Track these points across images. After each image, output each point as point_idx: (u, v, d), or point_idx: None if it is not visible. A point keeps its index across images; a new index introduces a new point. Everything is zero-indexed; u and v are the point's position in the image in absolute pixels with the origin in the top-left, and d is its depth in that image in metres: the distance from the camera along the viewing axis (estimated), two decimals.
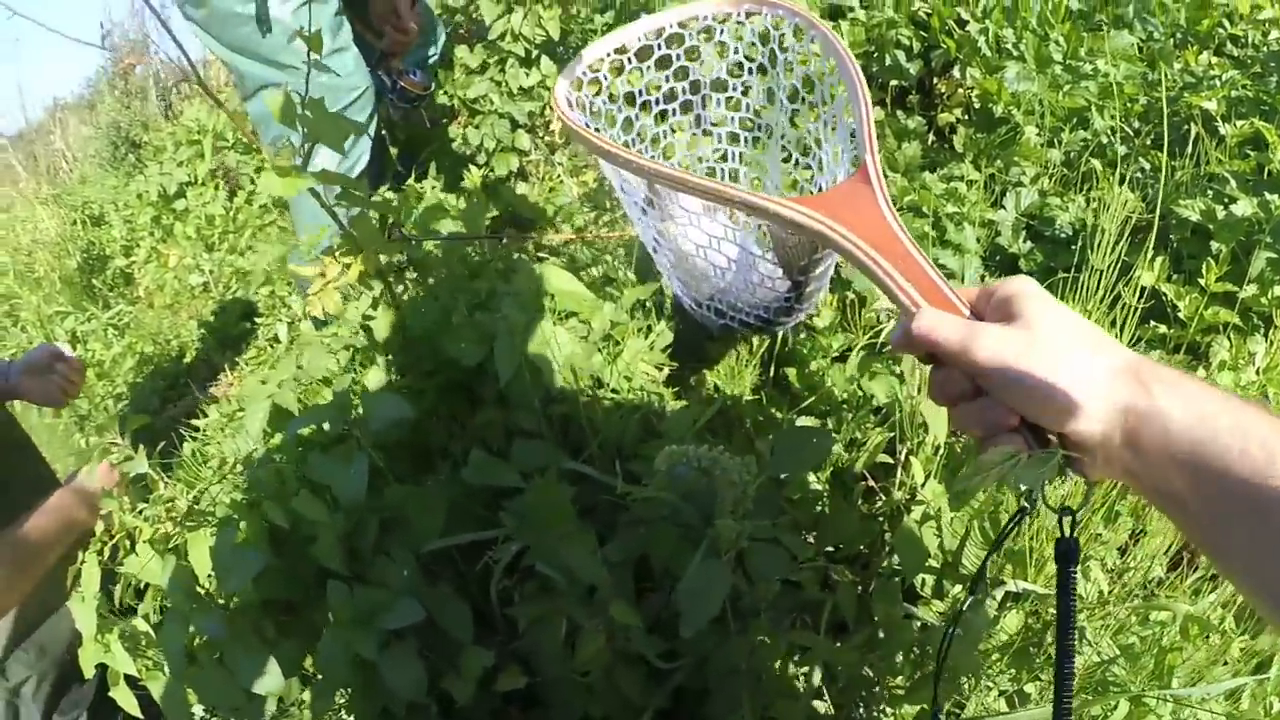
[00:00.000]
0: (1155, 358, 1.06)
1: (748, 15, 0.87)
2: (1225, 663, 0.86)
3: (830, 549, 0.87)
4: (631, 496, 0.76)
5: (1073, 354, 0.41)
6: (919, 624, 0.82)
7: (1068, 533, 0.44)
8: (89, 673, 1.03)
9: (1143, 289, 1.08)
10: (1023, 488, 0.42)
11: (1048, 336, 0.42)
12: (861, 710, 0.80)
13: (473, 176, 0.94)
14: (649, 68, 0.94)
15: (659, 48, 0.92)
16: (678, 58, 0.94)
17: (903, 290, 0.47)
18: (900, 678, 0.83)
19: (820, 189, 0.85)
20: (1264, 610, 0.39)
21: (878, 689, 0.83)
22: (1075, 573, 0.44)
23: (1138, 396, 0.39)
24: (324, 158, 1.40)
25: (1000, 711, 0.80)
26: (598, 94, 0.91)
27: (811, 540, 0.85)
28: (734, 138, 1.05)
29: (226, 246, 2.38)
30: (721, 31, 0.90)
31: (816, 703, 0.78)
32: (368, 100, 1.52)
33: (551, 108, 0.81)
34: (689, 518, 0.79)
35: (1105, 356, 0.41)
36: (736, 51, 0.92)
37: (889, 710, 0.80)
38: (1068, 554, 0.44)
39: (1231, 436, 0.37)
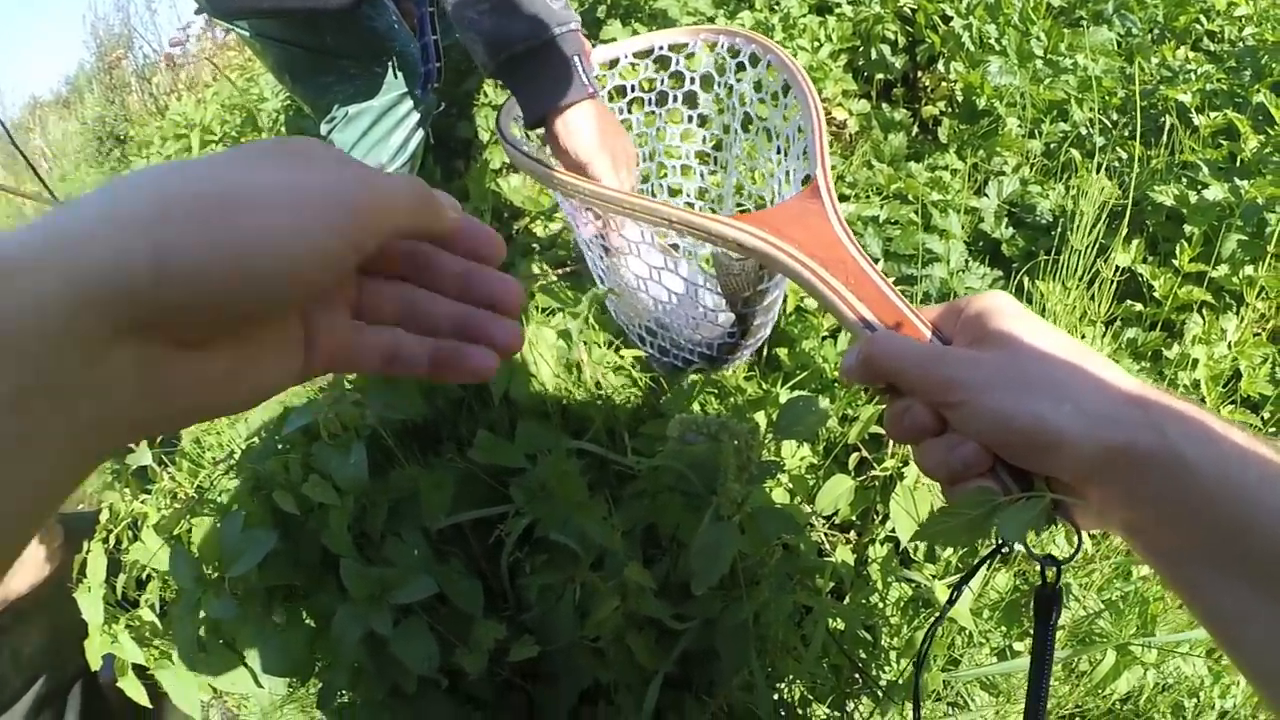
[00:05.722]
0: (1132, 334, 1.12)
1: (706, 44, 0.85)
2: None
3: (826, 516, 0.91)
4: (642, 466, 0.79)
5: (1060, 380, 0.34)
6: (913, 585, 0.87)
7: (1050, 581, 0.37)
8: (95, 664, 1.01)
9: (1119, 269, 1.13)
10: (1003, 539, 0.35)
11: (1028, 359, 0.35)
12: (860, 668, 0.84)
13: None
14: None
15: (611, 78, 0.90)
16: (631, 89, 0.92)
17: (854, 310, 0.42)
18: (896, 638, 0.87)
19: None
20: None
21: (874, 648, 0.87)
22: (1055, 626, 0.36)
23: (1144, 433, 0.31)
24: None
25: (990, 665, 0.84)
26: None
27: (808, 508, 0.89)
28: (686, 169, 1.02)
29: None
30: (677, 62, 0.87)
31: (819, 662, 0.82)
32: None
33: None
34: (694, 486, 0.82)
35: (1102, 383, 0.34)
36: (692, 81, 0.89)
37: (887, 667, 0.84)
38: (1048, 605, 0.36)
39: (1261, 489, 0.30)
